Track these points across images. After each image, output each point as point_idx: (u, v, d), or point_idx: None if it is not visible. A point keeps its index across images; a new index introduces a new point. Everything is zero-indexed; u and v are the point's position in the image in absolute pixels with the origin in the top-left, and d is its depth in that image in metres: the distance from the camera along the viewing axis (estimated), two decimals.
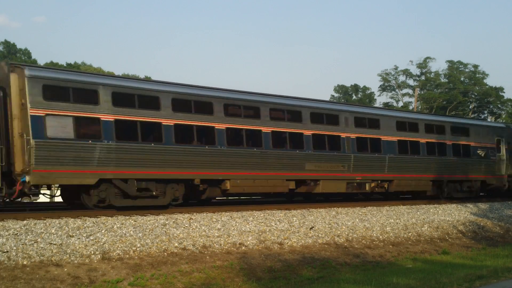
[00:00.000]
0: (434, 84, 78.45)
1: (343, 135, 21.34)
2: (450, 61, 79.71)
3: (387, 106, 77.07)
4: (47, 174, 14.64)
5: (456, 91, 75.41)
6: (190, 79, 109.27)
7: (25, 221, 13.69)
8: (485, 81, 78.76)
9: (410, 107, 75.10)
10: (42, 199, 26.37)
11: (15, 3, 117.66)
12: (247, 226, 16.09)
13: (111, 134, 15.68)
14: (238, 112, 18.65)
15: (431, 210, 22.60)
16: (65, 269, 11.50)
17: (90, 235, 13.24)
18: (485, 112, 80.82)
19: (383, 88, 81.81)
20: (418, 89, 73.53)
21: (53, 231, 13.09)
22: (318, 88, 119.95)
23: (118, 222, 14.51)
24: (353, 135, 21.63)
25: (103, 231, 13.63)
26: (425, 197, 25.64)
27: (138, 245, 13.30)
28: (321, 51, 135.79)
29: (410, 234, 18.92)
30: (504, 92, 79.76)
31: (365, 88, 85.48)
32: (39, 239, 12.48)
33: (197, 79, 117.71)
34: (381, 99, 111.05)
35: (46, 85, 14.86)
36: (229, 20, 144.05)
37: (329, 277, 13.13)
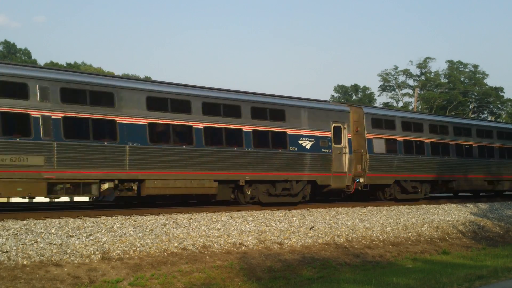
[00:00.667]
0: (434, 84, 78.52)
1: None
2: (450, 61, 79.90)
3: (387, 106, 77.07)
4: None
5: (456, 91, 75.48)
6: (189, 79, 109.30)
7: (25, 221, 13.71)
8: (485, 81, 78.91)
9: (410, 107, 75.11)
10: (42, 199, 26.25)
11: (15, 3, 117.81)
12: (247, 226, 16.09)
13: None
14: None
15: (431, 210, 22.61)
16: (65, 269, 11.50)
17: (90, 235, 13.25)
18: (485, 112, 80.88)
19: (383, 88, 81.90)
20: (418, 89, 73.55)
21: (53, 231, 13.10)
22: (318, 88, 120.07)
23: (118, 222, 14.53)
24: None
25: (103, 231, 13.64)
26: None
27: (138, 245, 13.30)
28: (321, 51, 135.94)
29: (410, 234, 18.92)
30: (504, 92, 79.98)
31: (365, 88, 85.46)
32: (39, 239, 12.48)
33: (196, 79, 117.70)
34: (381, 99, 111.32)
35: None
36: (229, 20, 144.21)
37: (329, 277, 13.13)
